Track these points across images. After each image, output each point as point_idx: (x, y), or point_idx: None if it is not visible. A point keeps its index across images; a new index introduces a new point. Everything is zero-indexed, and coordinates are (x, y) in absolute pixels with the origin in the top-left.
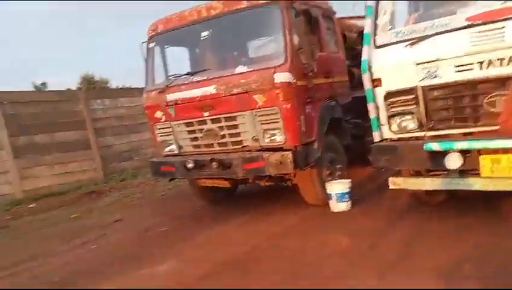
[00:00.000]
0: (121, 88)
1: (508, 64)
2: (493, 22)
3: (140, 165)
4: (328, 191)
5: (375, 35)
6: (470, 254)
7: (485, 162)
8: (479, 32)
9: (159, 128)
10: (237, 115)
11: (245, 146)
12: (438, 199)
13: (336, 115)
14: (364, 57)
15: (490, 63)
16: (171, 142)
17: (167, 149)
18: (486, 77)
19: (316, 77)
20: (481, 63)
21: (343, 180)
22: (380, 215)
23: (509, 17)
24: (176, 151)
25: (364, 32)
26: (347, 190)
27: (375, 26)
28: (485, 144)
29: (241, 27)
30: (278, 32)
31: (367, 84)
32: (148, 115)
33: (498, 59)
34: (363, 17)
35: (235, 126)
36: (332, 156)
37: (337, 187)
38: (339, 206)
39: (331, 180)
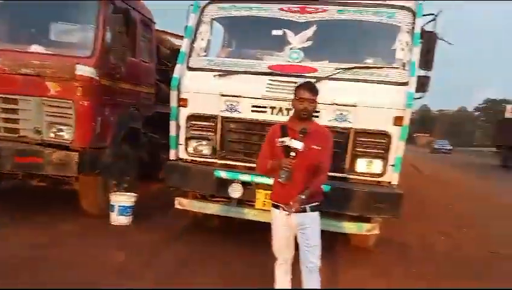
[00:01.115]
0: None
1: None
2: (289, 75)
3: None
4: (112, 202)
5: (189, 56)
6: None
7: (260, 196)
8: (276, 81)
9: None
10: (20, 98)
11: (22, 136)
12: (216, 224)
13: (136, 125)
14: (175, 74)
15: (280, 110)
16: None
17: None
18: (275, 121)
19: (122, 81)
20: (273, 108)
21: (129, 193)
22: (161, 233)
23: (301, 74)
24: None
25: (181, 50)
26: (131, 204)
27: (191, 48)
28: (262, 179)
29: (51, 3)
30: (90, 22)
31: (173, 102)
32: None
33: (286, 109)
34: (178, 36)
35: (15, 111)
36: (123, 166)
37: (122, 199)
38: (119, 219)
39: (116, 191)
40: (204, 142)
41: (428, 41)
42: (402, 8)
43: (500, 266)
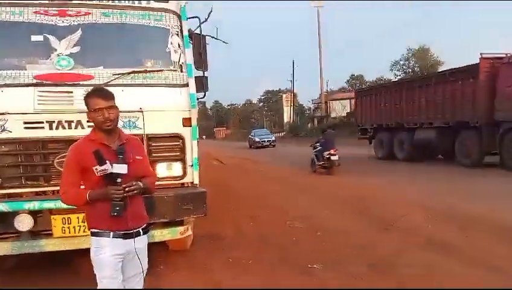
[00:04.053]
0: None
1: (76, 127)
2: (62, 84)
3: None
4: None
5: None
6: None
7: (56, 222)
8: (48, 92)
9: None
10: None
11: None
12: (9, 265)
13: None
14: None
15: (60, 124)
16: None
17: None
18: (56, 137)
19: None
20: (51, 122)
21: None
22: None
23: (76, 83)
24: None
25: None
26: None
27: None
28: (55, 204)
29: None
30: None
31: None
32: None
33: (66, 121)
34: None
35: None
36: None
37: None
38: None
39: None
40: None
41: (198, 43)
42: (166, 11)
43: (297, 235)
